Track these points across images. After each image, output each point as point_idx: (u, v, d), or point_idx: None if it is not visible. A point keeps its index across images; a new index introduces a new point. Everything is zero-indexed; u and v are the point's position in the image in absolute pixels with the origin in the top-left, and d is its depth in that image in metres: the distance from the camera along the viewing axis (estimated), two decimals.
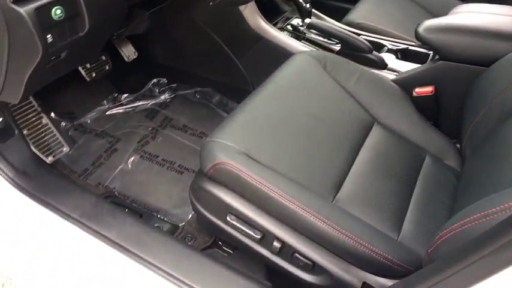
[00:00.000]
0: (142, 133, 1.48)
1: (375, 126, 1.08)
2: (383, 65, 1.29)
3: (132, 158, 1.38)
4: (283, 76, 1.10)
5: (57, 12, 0.79)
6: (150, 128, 1.50)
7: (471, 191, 0.85)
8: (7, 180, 1.02)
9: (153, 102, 1.60)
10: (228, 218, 0.88)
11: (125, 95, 1.60)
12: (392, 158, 1.02)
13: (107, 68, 1.52)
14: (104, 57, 1.51)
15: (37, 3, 0.76)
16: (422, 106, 1.15)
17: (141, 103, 1.59)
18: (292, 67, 1.13)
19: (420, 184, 0.97)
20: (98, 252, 0.94)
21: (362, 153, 0.99)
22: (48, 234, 1.01)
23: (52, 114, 1.35)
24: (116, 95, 1.60)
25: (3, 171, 1.02)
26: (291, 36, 1.43)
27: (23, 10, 0.75)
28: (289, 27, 1.50)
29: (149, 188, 1.29)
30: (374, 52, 1.30)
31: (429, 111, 1.15)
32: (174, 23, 1.51)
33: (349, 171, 0.95)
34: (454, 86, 1.12)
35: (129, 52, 1.54)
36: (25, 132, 1.21)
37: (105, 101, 1.57)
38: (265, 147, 0.91)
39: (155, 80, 1.66)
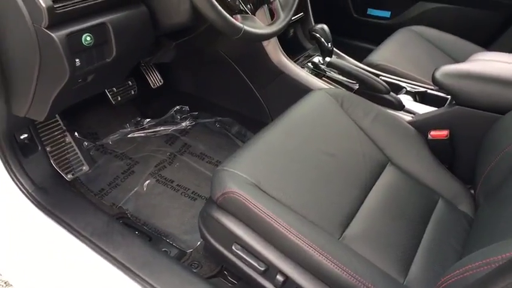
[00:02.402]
0: (160, 158, 1.52)
1: (388, 166, 1.08)
2: (400, 106, 1.30)
3: (148, 181, 1.41)
4: (300, 111, 1.12)
5: (87, 38, 0.84)
6: (168, 153, 1.54)
7: (482, 238, 0.83)
8: (25, 194, 1.05)
9: (174, 128, 1.65)
10: (233, 248, 0.89)
11: (148, 120, 1.66)
12: (404, 199, 1.01)
13: (133, 92, 1.59)
14: (130, 83, 1.58)
15: (69, 30, 0.82)
16: (437, 149, 1.14)
17: (162, 128, 1.64)
18: (309, 103, 1.15)
19: (431, 228, 0.95)
20: (103, 271, 0.96)
21: (373, 192, 0.99)
22: (58, 251, 1.04)
23: (76, 134, 1.40)
24: (138, 119, 1.66)
25: (22, 186, 1.06)
26: (311, 73, 1.46)
27: (55, 35, 0.80)
28: (310, 64, 1.53)
29: (161, 212, 1.31)
30: (391, 93, 1.31)
31: (444, 154, 1.14)
32: (199, 54, 1.57)
33: (358, 209, 0.94)
34: (469, 131, 1.12)
35: (155, 79, 1.61)
36: (48, 149, 1.26)
37: (128, 124, 1.62)
38: (276, 180, 0.91)
39: (178, 107, 1.72)
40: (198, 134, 1.65)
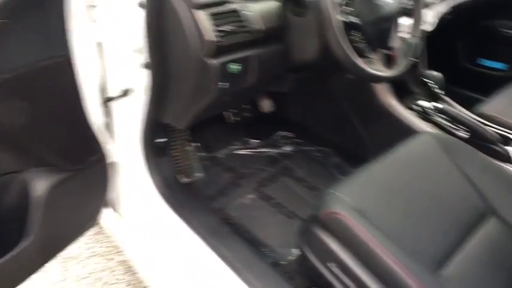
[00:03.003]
0: (263, 176, 1.66)
1: (492, 216, 1.07)
2: (508, 159, 1.29)
3: (251, 195, 1.56)
4: (405, 151, 1.18)
5: (235, 67, 1.01)
6: (270, 173, 1.68)
7: None
8: (158, 189, 1.24)
9: (278, 151, 1.79)
10: (330, 265, 0.96)
11: (255, 140, 1.83)
12: (506, 252, 1.00)
13: (248, 115, 1.77)
14: (247, 106, 1.76)
15: (223, 59, 0.99)
16: None
17: (266, 150, 1.79)
18: (415, 144, 1.21)
19: None
20: (215, 265, 1.10)
21: (473, 239, 1.00)
22: (182, 241, 1.21)
23: (196, 144, 1.61)
24: (247, 138, 1.83)
25: (156, 182, 1.25)
26: (417, 117, 1.51)
27: (212, 63, 0.98)
28: (417, 107, 1.58)
29: (261, 224, 1.44)
30: (500, 144, 1.31)
31: None
32: (310, 87, 1.71)
33: (455, 252, 0.96)
34: None
35: (267, 106, 1.78)
36: (174, 153, 1.47)
37: (237, 142, 1.81)
38: (379, 210, 0.98)
39: (283, 133, 1.86)
40: (298, 159, 1.78)
